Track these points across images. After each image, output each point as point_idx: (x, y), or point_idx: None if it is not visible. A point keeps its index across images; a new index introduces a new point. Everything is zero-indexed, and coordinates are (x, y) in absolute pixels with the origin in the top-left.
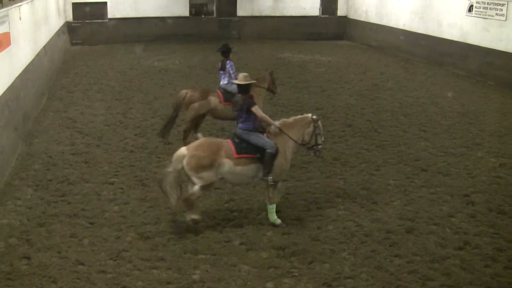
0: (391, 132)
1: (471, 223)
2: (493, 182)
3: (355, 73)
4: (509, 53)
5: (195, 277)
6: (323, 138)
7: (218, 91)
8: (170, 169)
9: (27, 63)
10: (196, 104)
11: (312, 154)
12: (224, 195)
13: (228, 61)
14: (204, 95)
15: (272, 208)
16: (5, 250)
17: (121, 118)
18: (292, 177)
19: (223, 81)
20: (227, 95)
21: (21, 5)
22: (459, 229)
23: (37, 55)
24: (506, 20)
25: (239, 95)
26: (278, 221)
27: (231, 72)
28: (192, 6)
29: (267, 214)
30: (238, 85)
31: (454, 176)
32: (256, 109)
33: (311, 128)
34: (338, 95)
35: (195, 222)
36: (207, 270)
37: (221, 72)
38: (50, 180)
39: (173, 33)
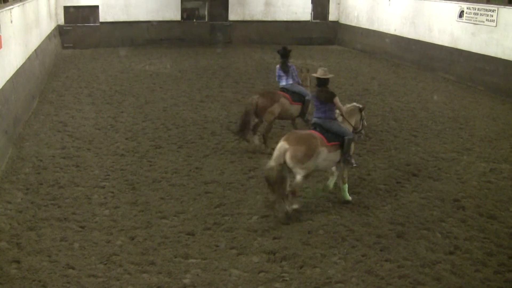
0: (382, 136)
1: (461, 227)
2: (483, 187)
3: (346, 78)
4: (499, 58)
5: (186, 281)
6: (366, 123)
7: (282, 92)
8: (272, 164)
9: (18, 67)
10: (273, 108)
11: (357, 138)
12: (215, 199)
13: (289, 64)
14: (274, 98)
15: (345, 187)
16: None
17: (112, 121)
18: None
19: (287, 82)
20: (294, 95)
21: (12, 8)
22: (450, 234)
23: (28, 58)
24: (496, 26)
25: (319, 88)
26: (350, 197)
27: (294, 74)
28: (183, 10)
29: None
30: (319, 79)
31: (444, 181)
32: (337, 100)
33: (359, 116)
34: None
35: (296, 211)
36: (197, 275)
37: (282, 74)
38: (41, 184)
39: (165, 37)
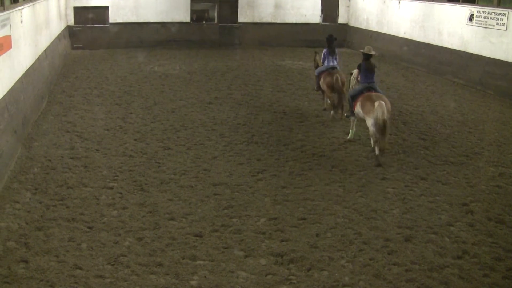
0: (391, 140)
1: (469, 232)
2: (492, 191)
3: None
4: (509, 62)
5: (193, 283)
6: None
7: (337, 71)
8: (383, 117)
9: (28, 67)
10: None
11: None
12: (223, 201)
13: (336, 49)
14: (338, 77)
15: None
16: (3, 254)
17: (120, 122)
18: (291, 184)
19: (335, 62)
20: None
21: (22, 8)
22: (458, 238)
23: (38, 58)
24: (506, 29)
25: (367, 61)
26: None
27: (336, 57)
28: (193, 12)
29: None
30: (366, 54)
31: (453, 185)
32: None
33: None
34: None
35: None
36: (205, 276)
37: (329, 56)
38: (49, 184)
39: (174, 39)
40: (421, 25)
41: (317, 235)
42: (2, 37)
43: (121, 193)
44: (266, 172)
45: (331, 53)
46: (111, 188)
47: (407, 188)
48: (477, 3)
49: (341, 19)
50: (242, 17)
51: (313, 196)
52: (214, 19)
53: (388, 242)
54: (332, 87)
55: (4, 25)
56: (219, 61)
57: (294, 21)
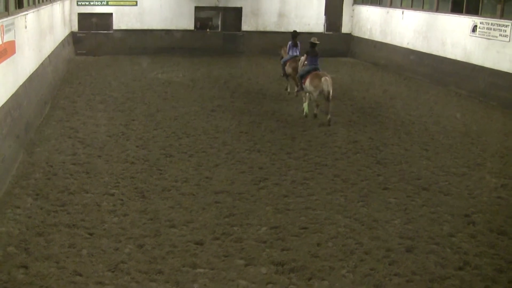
0: (393, 150)
1: (471, 243)
2: (494, 202)
3: (358, 91)
4: None
5: None
6: None
7: (297, 58)
8: (319, 90)
9: (31, 72)
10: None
11: None
12: (224, 209)
13: (298, 42)
14: (296, 61)
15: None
16: (2, 259)
17: (123, 129)
18: (293, 193)
19: (297, 52)
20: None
21: (27, 13)
22: (460, 249)
23: (42, 64)
24: (509, 41)
25: (313, 49)
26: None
27: (298, 48)
28: (197, 19)
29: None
30: (314, 43)
31: (455, 195)
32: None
33: None
34: (340, 112)
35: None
36: (205, 285)
37: (293, 48)
38: (50, 190)
39: (178, 46)
40: (424, 36)
41: (318, 244)
42: (6, 42)
43: (122, 199)
44: (268, 181)
45: (295, 45)
46: (113, 194)
47: (409, 198)
48: (481, 14)
49: (345, 29)
50: (246, 25)
51: (314, 205)
52: (218, 27)
53: (389, 253)
54: (296, 70)
55: (9, 30)
56: (222, 69)
57: (298, 30)
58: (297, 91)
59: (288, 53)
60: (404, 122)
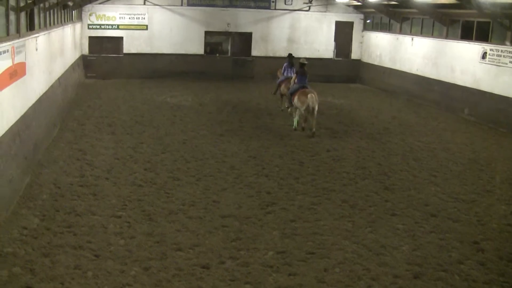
0: (401, 176)
1: (480, 270)
2: (503, 229)
3: (366, 116)
4: None
5: None
6: None
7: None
8: (312, 104)
9: (41, 94)
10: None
11: None
12: (231, 233)
13: (293, 62)
14: (289, 80)
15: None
16: (8, 279)
17: (131, 152)
18: (300, 218)
19: (291, 73)
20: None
21: (38, 36)
22: (468, 277)
23: (51, 86)
24: None
25: (302, 68)
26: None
27: (294, 68)
28: (207, 44)
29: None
30: (304, 64)
31: (464, 222)
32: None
33: None
34: (349, 138)
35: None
36: None
37: (288, 68)
38: (57, 211)
39: (187, 70)
40: (433, 62)
41: (325, 270)
42: (17, 63)
43: (129, 222)
44: (275, 205)
45: (290, 66)
46: (119, 217)
47: (417, 224)
48: (490, 41)
49: (354, 55)
50: (256, 51)
51: (322, 230)
52: (228, 52)
53: (397, 279)
54: (288, 88)
55: (19, 52)
56: (231, 94)
57: (307, 56)
58: (288, 107)
59: (283, 73)
60: (412, 148)
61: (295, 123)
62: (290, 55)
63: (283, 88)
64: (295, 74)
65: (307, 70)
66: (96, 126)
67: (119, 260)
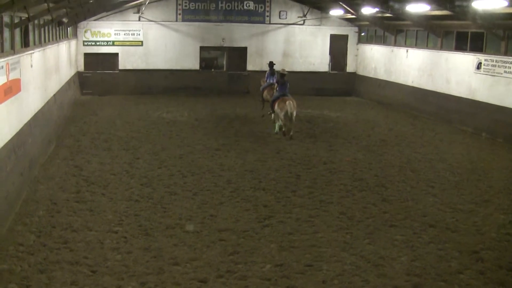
0: (399, 187)
1: (480, 280)
2: (502, 239)
3: (363, 129)
4: None
5: None
6: None
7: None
8: (290, 110)
9: (36, 110)
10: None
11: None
12: (228, 247)
13: (274, 71)
14: (272, 87)
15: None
16: None
17: (127, 167)
18: (297, 231)
19: (273, 80)
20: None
21: (33, 52)
22: (468, 286)
23: (47, 103)
24: None
25: (282, 79)
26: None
27: (275, 76)
28: (202, 60)
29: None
30: (284, 74)
31: (462, 232)
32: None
33: None
34: (345, 150)
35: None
36: None
37: (271, 76)
38: (54, 227)
39: (183, 86)
40: (429, 74)
41: (323, 282)
42: (12, 80)
43: (125, 237)
44: (272, 219)
45: (272, 74)
46: (116, 232)
47: (416, 235)
48: (485, 51)
49: (350, 68)
50: (251, 65)
51: (320, 243)
52: (223, 67)
53: None
54: (271, 95)
55: (14, 68)
56: (227, 109)
57: (303, 70)
58: (270, 113)
59: (266, 81)
60: (409, 160)
61: (276, 127)
62: (271, 63)
63: (265, 94)
64: (276, 84)
65: (287, 79)
66: (92, 142)
67: (116, 275)
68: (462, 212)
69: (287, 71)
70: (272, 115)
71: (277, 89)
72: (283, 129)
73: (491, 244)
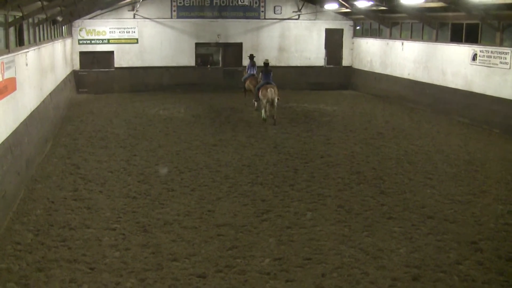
0: (396, 179)
1: (479, 270)
2: (501, 229)
3: (360, 122)
4: None
5: None
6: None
7: (255, 75)
8: (272, 97)
9: (32, 109)
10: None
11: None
12: (227, 242)
13: (254, 62)
14: (257, 78)
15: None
16: None
17: (124, 164)
18: (296, 225)
19: (254, 71)
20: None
21: (27, 51)
22: (467, 277)
23: (43, 101)
24: (510, 68)
25: (266, 67)
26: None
27: (255, 67)
28: (198, 56)
29: None
30: (267, 64)
31: (461, 223)
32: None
33: None
34: (343, 144)
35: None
36: None
37: (251, 67)
38: (51, 225)
39: (179, 83)
40: (424, 66)
41: (322, 275)
42: (7, 79)
43: (124, 234)
44: (271, 213)
45: (253, 65)
46: (114, 229)
47: (414, 227)
48: (480, 42)
49: (345, 62)
50: (247, 61)
51: (318, 236)
52: (219, 63)
53: (395, 282)
54: (254, 85)
55: (9, 67)
56: (223, 104)
57: (298, 64)
58: (255, 100)
59: (247, 71)
60: (407, 152)
61: (263, 115)
62: (251, 55)
63: (247, 84)
64: (261, 73)
65: (270, 68)
66: (88, 141)
67: (115, 272)
68: (460, 203)
69: (268, 61)
70: (256, 103)
71: (262, 77)
72: (268, 115)
73: (490, 234)
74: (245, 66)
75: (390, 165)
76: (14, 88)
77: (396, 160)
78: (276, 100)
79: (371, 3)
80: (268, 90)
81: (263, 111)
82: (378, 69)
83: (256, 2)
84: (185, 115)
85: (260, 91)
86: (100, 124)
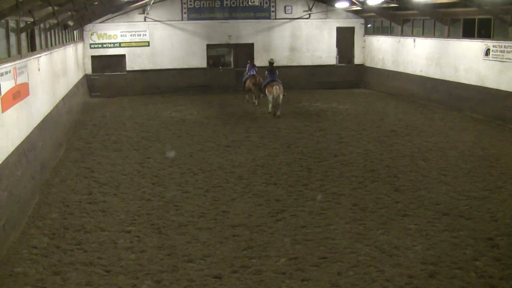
0: (411, 177)
1: (496, 266)
2: None
3: (372, 120)
4: None
5: None
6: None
7: (255, 75)
8: (277, 93)
9: (45, 114)
10: (258, 81)
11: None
12: (242, 242)
13: (255, 64)
14: (257, 78)
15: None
16: None
17: (138, 167)
18: (311, 224)
19: (253, 72)
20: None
21: (40, 56)
22: (484, 273)
23: (56, 106)
24: None
25: (271, 66)
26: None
27: (256, 69)
28: (209, 57)
29: None
30: (272, 62)
31: (476, 219)
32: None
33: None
34: (356, 142)
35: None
36: None
37: (252, 68)
38: (67, 229)
39: (191, 84)
40: (437, 62)
41: (338, 273)
42: (20, 84)
43: (139, 236)
44: (285, 212)
45: (253, 66)
46: (129, 232)
47: (430, 224)
48: (493, 37)
49: (357, 60)
50: (258, 61)
51: (333, 235)
52: (231, 64)
53: (411, 279)
54: (255, 84)
55: (22, 73)
56: (236, 105)
57: (310, 64)
58: (260, 96)
59: (247, 73)
60: (420, 149)
61: (270, 109)
62: (251, 58)
63: (248, 83)
64: (267, 71)
65: (275, 67)
66: (102, 144)
67: (131, 274)
68: (476, 199)
69: (273, 60)
70: (256, 101)
71: (268, 75)
72: (274, 111)
73: (506, 230)
74: (257, 68)
75: (404, 162)
76: (27, 93)
77: (410, 157)
78: (281, 96)
79: (382, 0)
80: (274, 87)
81: (270, 105)
82: (390, 66)
83: (266, 2)
84: (197, 117)
85: (267, 88)
86: (113, 127)
